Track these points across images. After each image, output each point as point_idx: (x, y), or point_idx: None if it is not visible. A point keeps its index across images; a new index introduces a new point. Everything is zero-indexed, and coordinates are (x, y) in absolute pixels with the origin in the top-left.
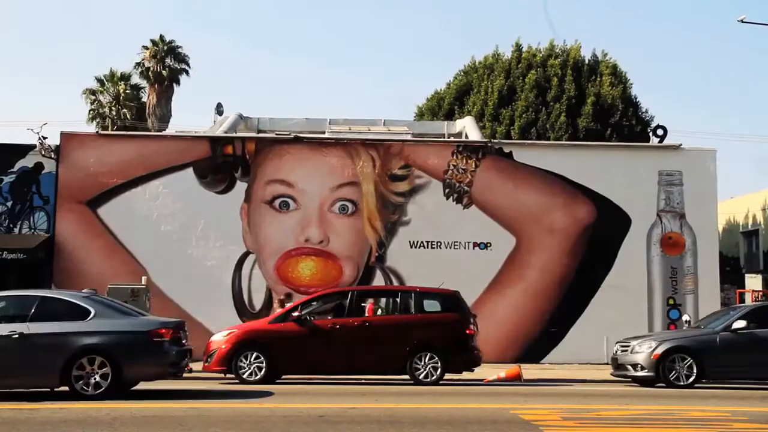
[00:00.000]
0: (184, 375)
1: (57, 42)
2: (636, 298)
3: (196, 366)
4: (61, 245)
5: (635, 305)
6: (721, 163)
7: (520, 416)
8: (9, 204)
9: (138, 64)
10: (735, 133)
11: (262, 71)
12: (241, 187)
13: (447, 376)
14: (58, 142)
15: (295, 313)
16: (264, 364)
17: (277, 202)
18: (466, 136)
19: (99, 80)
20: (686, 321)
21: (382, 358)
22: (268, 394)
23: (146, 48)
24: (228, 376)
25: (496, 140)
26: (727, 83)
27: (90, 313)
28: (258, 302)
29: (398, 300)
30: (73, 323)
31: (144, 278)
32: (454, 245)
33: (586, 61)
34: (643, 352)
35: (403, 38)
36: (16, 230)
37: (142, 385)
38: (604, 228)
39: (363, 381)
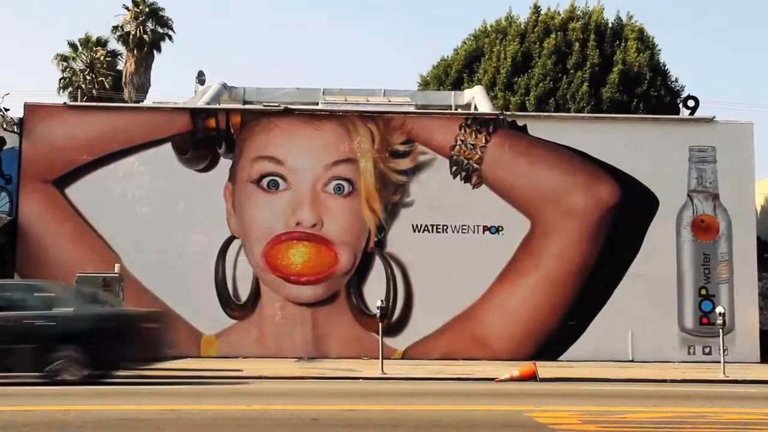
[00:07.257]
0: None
1: None
2: (664, 287)
3: (181, 363)
4: (24, 229)
5: (663, 296)
6: (759, 137)
7: (534, 419)
8: None
9: (116, 27)
10: None
11: (248, 36)
12: (225, 164)
13: (453, 374)
14: (21, 114)
15: None
16: None
17: (265, 182)
18: (476, 108)
19: (72, 45)
20: (720, 314)
21: None
22: (257, 394)
23: (127, 9)
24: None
25: (508, 112)
26: (766, 49)
27: None
28: (244, 292)
29: None
30: None
31: (117, 266)
32: (462, 229)
33: (610, 25)
34: None
35: None
36: None
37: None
38: (628, 210)
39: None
